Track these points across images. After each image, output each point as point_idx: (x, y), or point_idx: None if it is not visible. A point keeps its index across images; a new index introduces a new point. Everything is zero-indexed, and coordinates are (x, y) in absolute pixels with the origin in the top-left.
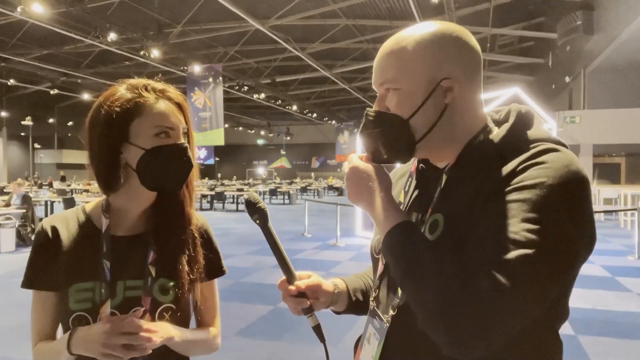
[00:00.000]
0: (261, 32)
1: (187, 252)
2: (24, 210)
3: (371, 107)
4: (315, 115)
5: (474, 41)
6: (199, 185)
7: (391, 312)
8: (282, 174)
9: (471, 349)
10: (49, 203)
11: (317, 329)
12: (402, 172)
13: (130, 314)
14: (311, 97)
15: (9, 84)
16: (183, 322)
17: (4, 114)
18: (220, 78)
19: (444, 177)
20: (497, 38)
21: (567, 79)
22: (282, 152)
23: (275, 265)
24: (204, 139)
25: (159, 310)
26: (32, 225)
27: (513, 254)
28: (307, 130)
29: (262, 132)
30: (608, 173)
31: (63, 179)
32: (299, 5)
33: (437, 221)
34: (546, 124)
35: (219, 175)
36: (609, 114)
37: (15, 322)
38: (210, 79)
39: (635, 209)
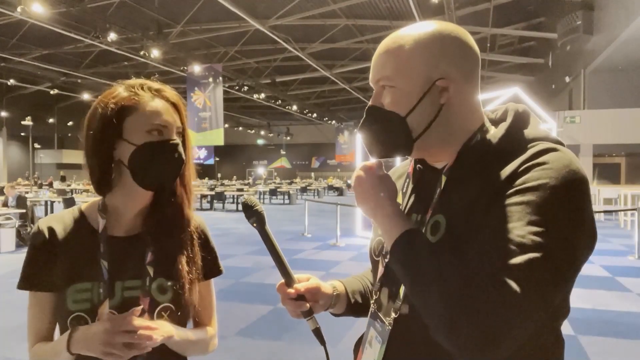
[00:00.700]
0: (261, 32)
1: (185, 252)
2: (24, 211)
3: None
4: (315, 115)
5: (472, 41)
6: (199, 185)
7: (393, 315)
8: (282, 174)
9: (483, 356)
10: (49, 203)
11: (317, 332)
12: (400, 174)
13: (130, 312)
14: (311, 97)
15: (9, 84)
16: (181, 322)
17: (4, 114)
18: (220, 78)
19: (444, 178)
20: (497, 38)
21: (567, 79)
22: (282, 152)
23: (275, 266)
24: (204, 139)
25: (157, 310)
26: (32, 225)
27: (520, 258)
28: (307, 130)
29: (262, 132)
30: (608, 173)
31: (63, 179)
32: (299, 5)
33: (438, 222)
34: (546, 124)
35: (219, 175)
36: (609, 114)
37: (15, 322)
38: (210, 79)
39: (635, 209)
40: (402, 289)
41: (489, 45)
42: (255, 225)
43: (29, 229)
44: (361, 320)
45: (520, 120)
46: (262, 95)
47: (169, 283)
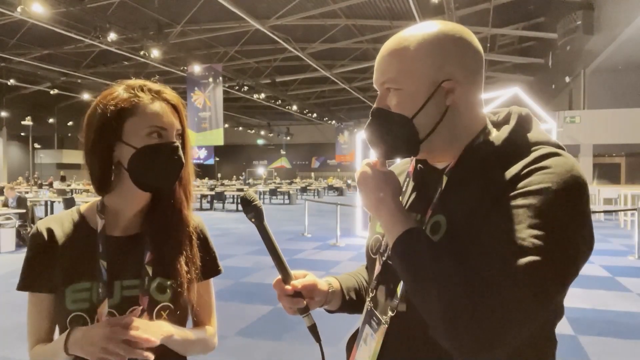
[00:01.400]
0: (261, 32)
1: (184, 252)
2: (24, 211)
3: (371, 106)
4: (315, 115)
5: (476, 42)
6: (199, 186)
7: (390, 313)
8: (282, 174)
9: (480, 357)
10: (49, 203)
11: (313, 329)
12: (399, 171)
13: (128, 313)
14: (311, 97)
15: (9, 84)
16: (181, 322)
17: (4, 114)
18: (220, 78)
19: (445, 179)
20: (497, 38)
21: (567, 79)
22: (282, 152)
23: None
24: (204, 139)
25: (156, 310)
26: (32, 225)
27: (521, 261)
28: (307, 130)
29: (262, 132)
30: (608, 173)
31: (63, 179)
32: (299, 5)
33: (439, 223)
34: (546, 124)
35: (219, 175)
36: (609, 114)
37: (15, 322)
38: (210, 79)
39: (635, 209)
40: (399, 287)
41: (489, 45)
42: (253, 220)
43: (29, 229)
44: (359, 318)
45: (524, 123)
46: (262, 95)
47: (168, 282)
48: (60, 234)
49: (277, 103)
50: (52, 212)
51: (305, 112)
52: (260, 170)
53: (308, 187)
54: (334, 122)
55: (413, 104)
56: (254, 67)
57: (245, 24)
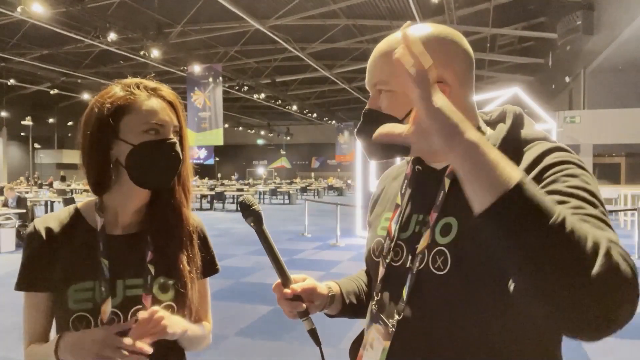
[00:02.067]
0: (261, 32)
1: (185, 251)
2: (24, 211)
3: None
4: (315, 115)
5: (466, 44)
6: (199, 186)
7: (396, 317)
8: (282, 174)
9: (604, 335)
10: (49, 203)
11: (313, 333)
12: (396, 174)
13: (128, 322)
14: (311, 97)
15: (9, 84)
16: None
17: (4, 114)
18: (220, 78)
19: (447, 181)
20: (497, 38)
21: (567, 79)
22: (282, 152)
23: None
24: (204, 139)
25: (159, 309)
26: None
27: (612, 234)
28: (307, 130)
29: (262, 132)
30: (608, 173)
31: (63, 179)
32: (299, 5)
33: (449, 224)
34: (546, 124)
35: (219, 175)
36: (609, 114)
37: (15, 322)
38: (210, 79)
39: (635, 209)
40: (405, 290)
41: (489, 45)
42: (252, 224)
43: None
44: (361, 321)
45: (519, 121)
46: (262, 95)
47: (171, 282)
48: (58, 232)
49: (277, 103)
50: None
51: (305, 112)
52: (260, 170)
53: (308, 187)
54: (334, 122)
55: (403, 106)
56: (254, 67)
57: (245, 24)
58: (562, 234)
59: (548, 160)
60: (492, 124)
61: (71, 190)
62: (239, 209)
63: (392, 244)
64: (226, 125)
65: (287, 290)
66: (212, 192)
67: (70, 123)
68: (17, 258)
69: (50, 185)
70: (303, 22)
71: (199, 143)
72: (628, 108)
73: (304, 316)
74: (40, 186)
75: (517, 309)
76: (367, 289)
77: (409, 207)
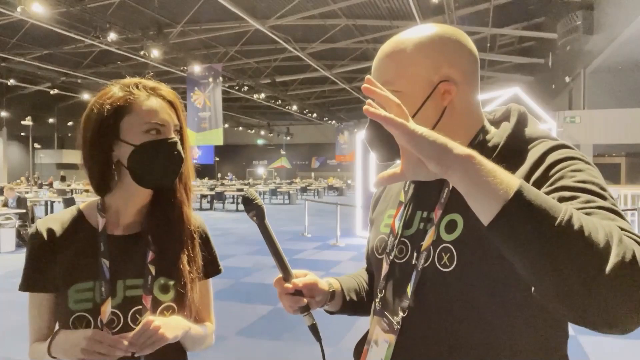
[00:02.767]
0: (261, 32)
1: (186, 251)
2: (24, 211)
3: None
4: (315, 115)
5: (471, 43)
6: (199, 186)
7: (401, 314)
8: (282, 174)
9: (636, 325)
10: (49, 203)
11: (313, 328)
12: None
13: (120, 336)
14: (311, 97)
15: (9, 84)
16: None
17: (4, 114)
18: (220, 78)
19: None
20: (497, 38)
21: (567, 79)
22: (282, 152)
23: (275, 265)
24: (204, 139)
25: (159, 309)
26: (32, 225)
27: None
28: (307, 130)
29: (262, 132)
30: (608, 173)
31: (63, 179)
32: (299, 5)
33: (455, 221)
34: (546, 124)
35: (219, 175)
36: (609, 114)
37: (15, 322)
38: (210, 79)
39: (635, 209)
40: (409, 287)
41: (489, 45)
42: (254, 219)
43: (29, 229)
44: (362, 319)
45: (523, 120)
46: (262, 95)
47: (171, 282)
48: (60, 233)
49: (277, 103)
50: (52, 212)
51: (305, 112)
52: (260, 170)
53: (308, 187)
54: (334, 122)
55: (411, 106)
56: (254, 67)
57: (245, 24)
58: (572, 231)
59: (553, 157)
60: (496, 122)
61: (71, 190)
62: (241, 207)
63: (396, 240)
64: (226, 125)
65: (288, 285)
66: (212, 192)
67: (70, 123)
68: (17, 258)
69: (50, 185)
70: (303, 22)
71: (199, 143)
72: (628, 108)
73: (305, 311)
74: (40, 186)
75: (523, 307)
76: (368, 286)
77: (413, 204)
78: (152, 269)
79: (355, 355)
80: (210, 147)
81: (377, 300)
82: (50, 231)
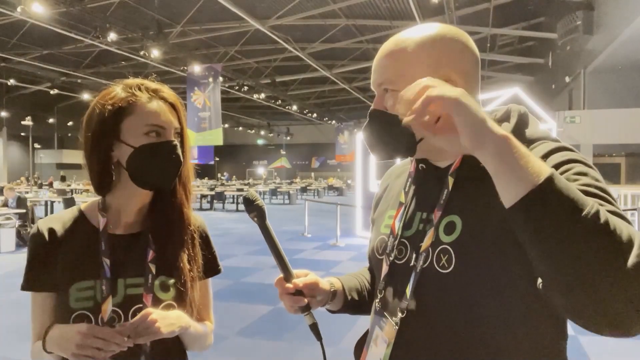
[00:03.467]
0: (261, 32)
1: (186, 250)
2: (24, 211)
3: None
4: (315, 115)
5: (472, 43)
6: (199, 186)
7: (399, 315)
8: (282, 174)
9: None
10: (49, 203)
11: (314, 327)
12: (400, 172)
13: (114, 329)
14: (311, 97)
15: (9, 84)
16: None
17: (4, 114)
18: (220, 78)
19: (451, 180)
20: (497, 38)
21: (567, 79)
22: (282, 152)
23: (275, 265)
24: (203, 139)
25: (160, 308)
26: (32, 225)
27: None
28: (307, 130)
29: (262, 132)
30: (608, 173)
31: (63, 179)
32: (299, 5)
33: (453, 222)
34: (546, 124)
35: (219, 175)
36: (609, 114)
37: (15, 322)
38: (210, 79)
39: (635, 209)
40: (408, 288)
41: (489, 45)
42: (255, 219)
43: (29, 229)
44: (362, 319)
45: (523, 121)
46: (262, 95)
47: (171, 281)
48: (61, 233)
49: (277, 103)
50: (52, 212)
51: (305, 112)
52: (260, 170)
53: (308, 187)
54: (334, 122)
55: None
56: (254, 67)
57: (245, 24)
58: (598, 224)
59: (554, 159)
60: (498, 122)
61: (71, 190)
62: (241, 207)
63: (396, 241)
64: (226, 125)
65: (289, 285)
66: (212, 192)
67: (70, 123)
68: (17, 258)
69: (50, 185)
70: (303, 22)
71: (198, 143)
72: (628, 108)
73: (306, 311)
74: (40, 186)
75: (522, 309)
76: (370, 286)
77: (413, 205)
78: (153, 268)
79: (355, 354)
80: (210, 147)
81: (377, 300)
82: (52, 231)
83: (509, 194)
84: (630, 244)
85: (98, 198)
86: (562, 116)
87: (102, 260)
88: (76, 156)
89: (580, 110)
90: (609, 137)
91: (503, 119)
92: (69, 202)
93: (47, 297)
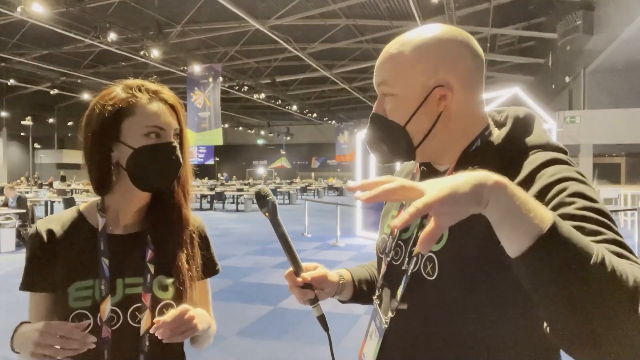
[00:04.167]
0: (261, 32)
1: (185, 250)
2: (24, 211)
3: (371, 107)
4: (315, 115)
5: (475, 45)
6: (199, 186)
7: (390, 314)
8: (282, 174)
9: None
10: (49, 203)
11: (321, 319)
12: (408, 170)
13: (77, 324)
14: (311, 97)
15: (9, 84)
16: None
17: (4, 114)
18: (220, 78)
19: None
20: (497, 38)
21: (567, 79)
22: (282, 152)
23: (275, 265)
24: (203, 139)
25: (159, 307)
26: (32, 225)
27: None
28: (307, 130)
29: (262, 132)
30: (608, 173)
31: (63, 179)
32: (299, 5)
33: None
34: (546, 124)
35: (219, 175)
36: (609, 114)
37: (15, 322)
38: (210, 79)
39: (635, 209)
40: (399, 290)
41: (489, 45)
42: (267, 214)
43: (29, 229)
44: (363, 318)
45: (521, 126)
46: (262, 95)
47: (170, 280)
48: (60, 234)
49: (277, 103)
50: (52, 212)
51: (305, 112)
52: (260, 170)
53: (308, 187)
54: (334, 122)
55: (406, 110)
56: (254, 67)
57: (245, 24)
58: (605, 274)
59: (546, 177)
60: (500, 124)
61: (71, 190)
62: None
63: (394, 243)
64: (226, 125)
65: (298, 279)
66: (212, 192)
67: (70, 123)
68: (17, 258)
69: (50, 185)
70: (303, 22)
71: (198, 143)
72: (628, 108)
73: (314, 303)
74: (40, 186)
75: (500, 323)
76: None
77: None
78: (152, 268)
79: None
80: (210, 147)
81: (375, 297)
82: (50, 232)
83: (511, 245)
84: (636, 291)
85: (97, 198)
86: (562, 116)
87: (100, 260)
88: (76, 156)
89: (580, 110)
90: (609, 137)
91: (502, 123)
92: (69, 202)
93: (45, 298)
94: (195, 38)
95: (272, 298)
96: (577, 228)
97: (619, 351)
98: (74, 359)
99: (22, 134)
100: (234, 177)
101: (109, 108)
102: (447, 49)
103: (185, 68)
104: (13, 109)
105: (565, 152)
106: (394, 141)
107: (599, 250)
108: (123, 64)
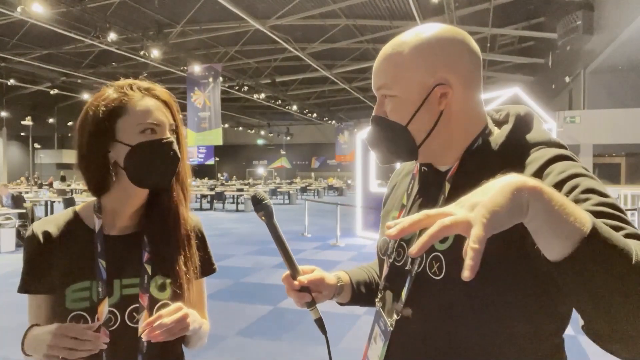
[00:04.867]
0: (261, 32)
1: (182, 250)
2: (24, 211)
3: (371, 107)
4: (315, 115)
5: (472, 44)
6: (199, 186)
7: (395, 317)
8: (282, 174)
9: None
10: (49, 203)
11: (319, 322)
12: (408, 170)
13: (89, 325)
14: (311, 97)
15: (9, 84)
16: None
17: (4, 114)
18: (220, 78)
19: (447, 185)
20: (497, 38)
21: (567, 79)
22: (282, 152)
23: (275, 265)
24: (203, 139)
25: (156, 307)
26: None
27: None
28: (307, 130)
29: (262, 132)
30: (608, 173)
31: (63, 179)
32: (299, 5)
33: None
34: (546, 124)
35: (219, 175)
36: (609, 114)
37: (15, 322)
38: (210, 79)
39: (635, 209)
40: (404, 291)
41: (489, 45)
42: (263, 218)
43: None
44: (362, 319)
45: (522, 124)
46: (262, 95)
47: (167, 280)
48: (56, 235)
49: (277, 103)
50: (52, 212)
51: (305, 112)
52: (260, 170)
53: (308, 187)
54: (334, 122)
55: (407, 110)
56: (254, 67)
57: (245, 24)
58: None
59: (556, 174)
60: (500, 123)
61: (71, 190)
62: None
63: (396, 244)
64: (226, 125)
65: (295, 282)
66: (212, 192)
67: (70, 123)
68: (17, 258)
69: (50, 185)
70: (303, 22)
71: (198, 143)
72: (628, 108)
73: (311, 306)
74: (40, 186)
75: (513, 319)
76: (379, 279)
77: (414, 208)
78: (149, 268)
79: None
80: (210, 147)
81: (378, 299)
82: (47, 234)
83: (553, 250)
84: None
85: (94, 199)
86: (562, 116)
87: (97, 261)
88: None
89: (580, 110)
90: (609, 137)
91: (505, 120)
92: (69, 202)
93: (43, 300)
94: (195, 38)
95: (272, 298)
96: None
97: None
98: None
99: (22, 134)
100: (234, 177)
101: (102, 109)
102: (446, 48)
103: (185, 68)
104: (13, 109)
105: (566, 149)
106: (397, 141)
107: (633, 248)
108: (123, 64)
